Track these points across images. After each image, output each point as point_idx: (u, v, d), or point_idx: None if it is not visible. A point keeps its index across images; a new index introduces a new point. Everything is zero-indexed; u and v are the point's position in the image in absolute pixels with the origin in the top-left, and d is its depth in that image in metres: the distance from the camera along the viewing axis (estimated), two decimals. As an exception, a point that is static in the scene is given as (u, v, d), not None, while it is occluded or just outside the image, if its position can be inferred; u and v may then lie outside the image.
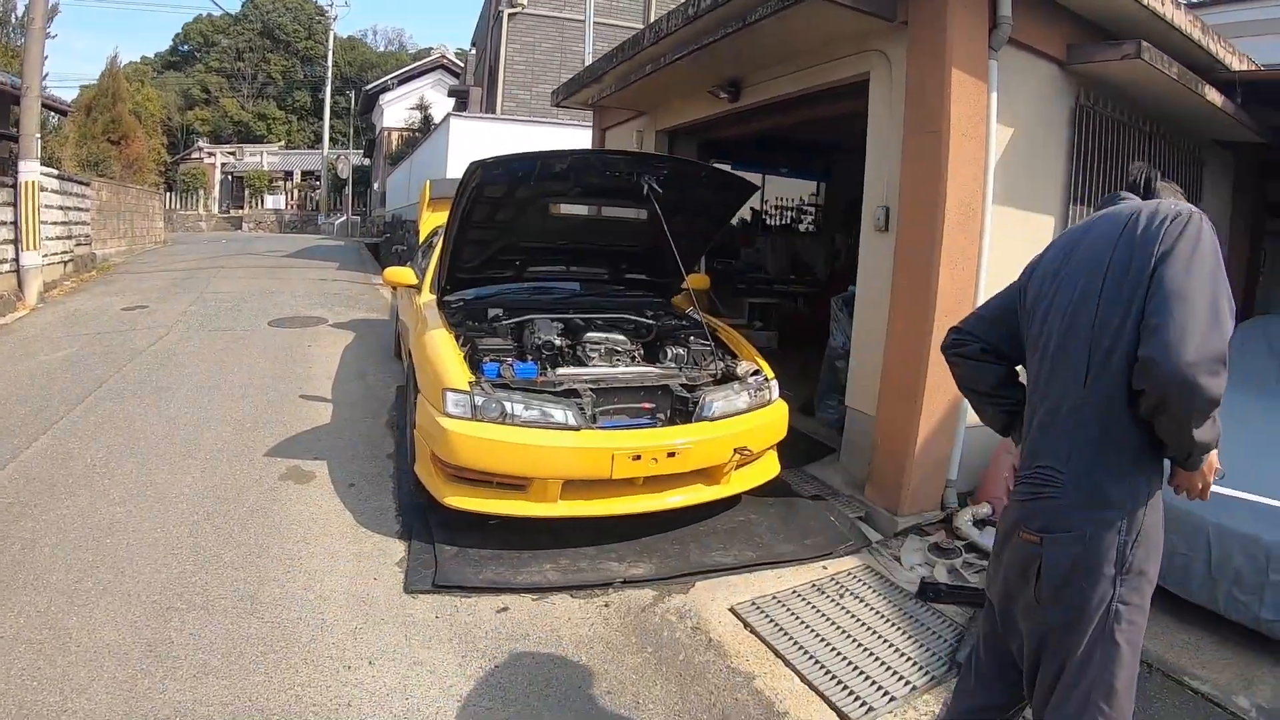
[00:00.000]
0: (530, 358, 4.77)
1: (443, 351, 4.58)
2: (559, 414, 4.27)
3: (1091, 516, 1.96)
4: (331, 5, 38.50)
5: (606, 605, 3.88)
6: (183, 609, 3.57)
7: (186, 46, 55.48)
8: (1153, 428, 1.94)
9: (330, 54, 37.59)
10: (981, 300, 4.99)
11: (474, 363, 4.55)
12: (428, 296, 5.66)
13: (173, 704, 2.92)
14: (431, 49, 42.63)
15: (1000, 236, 5.11)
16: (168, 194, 33.45)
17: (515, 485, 4.25)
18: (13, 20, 27.78)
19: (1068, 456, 2.01)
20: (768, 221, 13.34)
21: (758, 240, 12.35)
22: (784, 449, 5.27)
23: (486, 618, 3.69)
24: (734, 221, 12.46)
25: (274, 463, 5.43)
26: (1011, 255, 5.20)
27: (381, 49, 63.08)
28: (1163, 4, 5.36)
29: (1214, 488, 2.12)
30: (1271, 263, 8.64)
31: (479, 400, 4.20)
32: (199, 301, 11.82)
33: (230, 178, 42.68)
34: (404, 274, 6.20)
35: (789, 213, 13.66)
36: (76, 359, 8.01)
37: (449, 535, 4.34)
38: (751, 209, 12.94)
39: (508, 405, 4.22)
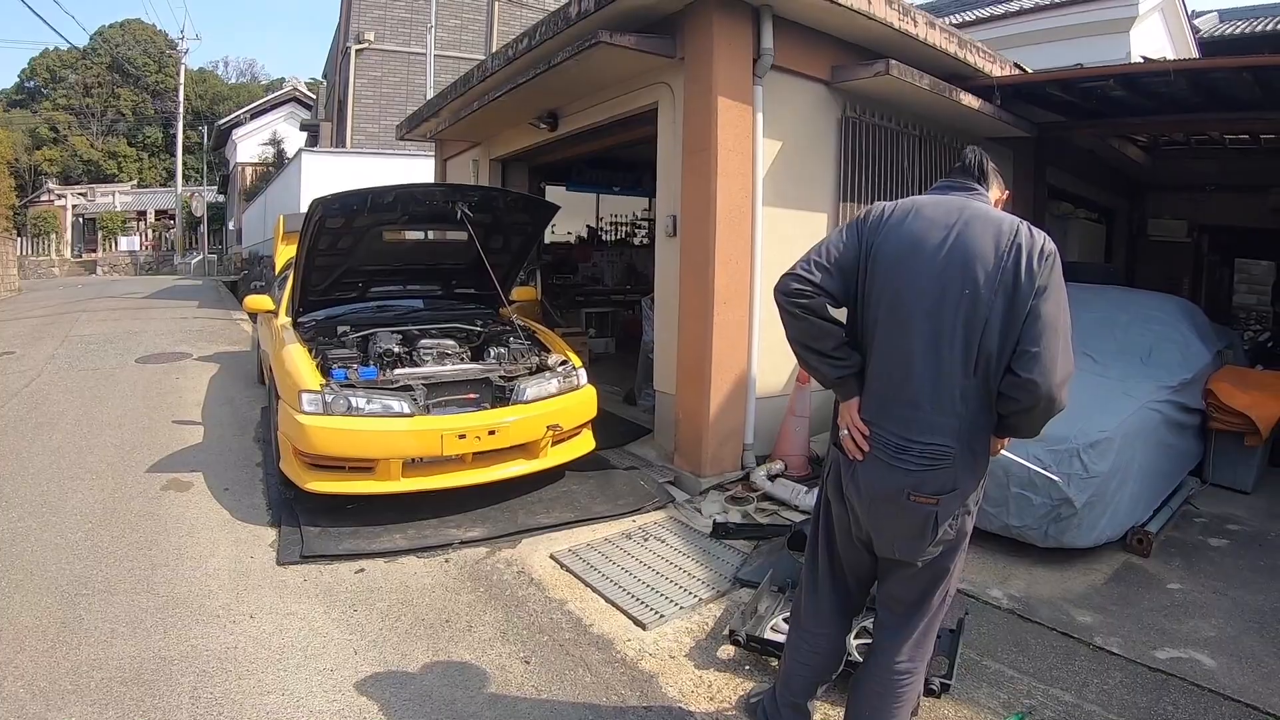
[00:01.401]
0: (372, 363, 5.54)
1: (298, 362, 5.31)
2: (396, 404, 5.09)
3: (974, 477, 2.45)
4: (182, 38, 37.59)
5: (447, 561, 4.67)
6: (89, 594, 4.16)
7: (33, 82, 52.62)
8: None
9: (181, 88, 36.52)
10: (760, 289, 5.89)
11: (325, 369, 5.31)
12: (284, 319, 6.32)
13: (89, 661, 3.53)
14: (284, 80, 42.16)
15: (774, 233, 5.99)
16: (18, 239, 32.24)
17: (364, 468, 5.03)
18: None
19: (957, 435, 2.38)
20: (604, 237, 14.15)
21: (595, 255, 13.07)
22: (608, 432, 6.10)
23: (346, 578, 4.42)
24: (571, 240, 13.33)
25: (155, 477, 5.99)
26: (786, 248, 5.98)
27: (234, 81, 61.62)
28: (915, 25, 6.22)
29: None
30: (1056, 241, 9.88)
31: (329, 398, 4.98)
32: (65, 345, 11.90)
33: (82, 220, 40.87)
34: (262, 301, 6.88)
35: (624, 228, 14.57)
36: (-50, 406, 8.19)
37: (312, 519, 5.05)
38: (588, 226, 13.78)
39: (353, 400, 5.02)
